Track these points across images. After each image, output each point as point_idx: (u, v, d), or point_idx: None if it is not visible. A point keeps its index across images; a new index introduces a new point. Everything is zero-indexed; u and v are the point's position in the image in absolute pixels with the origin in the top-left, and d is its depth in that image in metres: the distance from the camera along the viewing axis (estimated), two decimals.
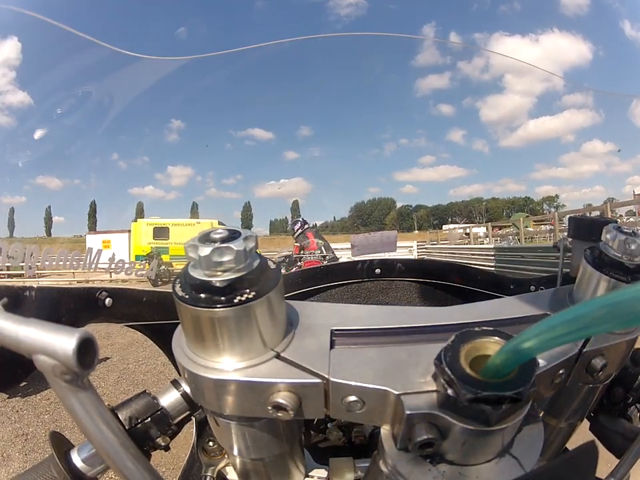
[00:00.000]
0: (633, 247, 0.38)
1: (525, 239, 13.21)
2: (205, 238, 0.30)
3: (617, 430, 0.55)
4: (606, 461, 0.44)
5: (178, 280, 0.31)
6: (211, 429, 0.44)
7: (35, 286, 0.45)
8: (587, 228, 0.54)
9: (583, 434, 0.53)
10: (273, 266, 0.32)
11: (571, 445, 0.58)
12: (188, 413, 0.47)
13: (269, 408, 0.31)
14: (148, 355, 4.98)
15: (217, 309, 0.29)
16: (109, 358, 5.00)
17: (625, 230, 0.40)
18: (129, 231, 14.47)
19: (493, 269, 9.27)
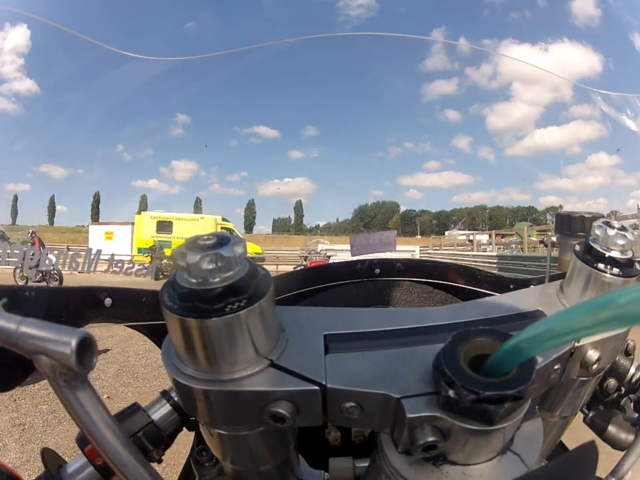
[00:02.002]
0: (622, 242, 0.38)
1: (528, 248, 13.14)
2: (193, 245, 0.28)
3: (610, 421, 0.55)
4: (607, 460, 0.44)
5: (165, 289, 0.30)
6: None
7: (34, 286, 0.45)
8: (574, 224, 0.54)
9: (582, 432, 0.53)
10: (262, 272, 0.31)
11: (569, 440, 0.58)
12: (180, 424, 0.46)
13: (266, 418, 0.30)
14: (148, 348, 4.97)
15: (207, 319, 0.27)
16: (109, 350, 4.97)
17: (614, 224, 0.40)
18: (133, 224, 14.40)
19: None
